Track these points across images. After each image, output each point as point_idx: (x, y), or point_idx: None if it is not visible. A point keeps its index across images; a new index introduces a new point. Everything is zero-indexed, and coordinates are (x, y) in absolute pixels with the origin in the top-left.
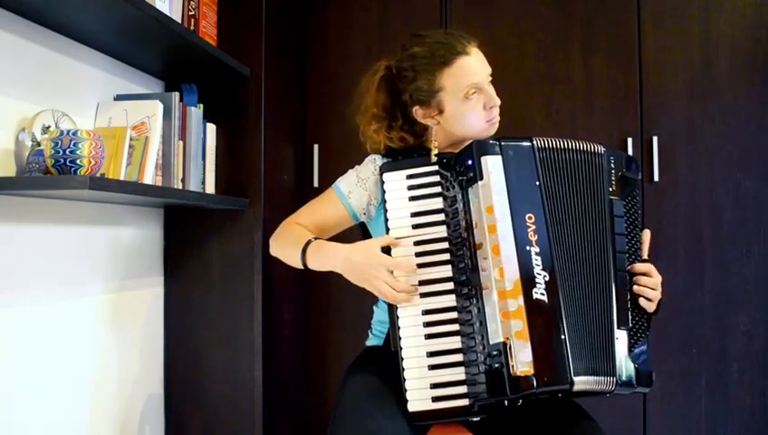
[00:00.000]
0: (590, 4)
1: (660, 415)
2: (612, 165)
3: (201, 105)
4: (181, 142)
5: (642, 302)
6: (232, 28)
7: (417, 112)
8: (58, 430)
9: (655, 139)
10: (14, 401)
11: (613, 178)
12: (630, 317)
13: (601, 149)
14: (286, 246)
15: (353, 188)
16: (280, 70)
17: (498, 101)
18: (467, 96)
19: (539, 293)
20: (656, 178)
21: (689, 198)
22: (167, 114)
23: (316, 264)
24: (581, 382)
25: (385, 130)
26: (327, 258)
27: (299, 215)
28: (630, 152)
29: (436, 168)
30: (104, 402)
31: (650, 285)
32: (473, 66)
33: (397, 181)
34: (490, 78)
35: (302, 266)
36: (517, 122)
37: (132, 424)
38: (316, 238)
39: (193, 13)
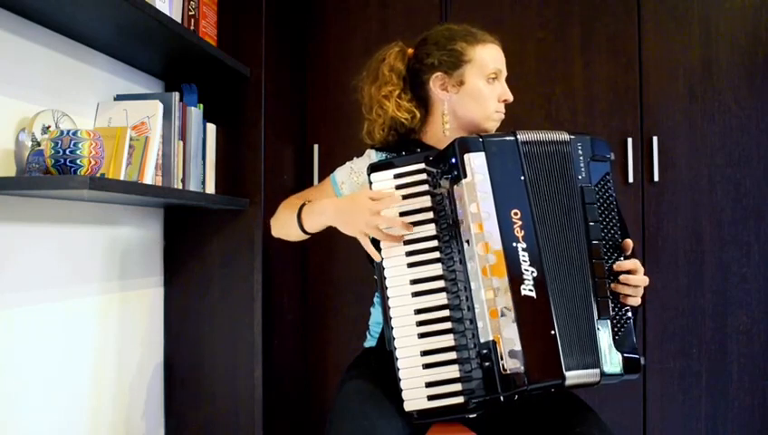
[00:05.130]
0: (590, 4)
1: (660, 415)
2: (580, 151)
3: (201, 105)
4: (181, 142)
5: (629, 300)
6: (232, 28)
7: (436, 80)
8: (58, 431)
9: (655, 139)
10: (13, 402)
11: (582, 164)
12: (611, 306)
13: (567, 136)
14: (284, 217)
15: (346, 179)
16: (280, 70)
17: (511, 98)
18: (489, 79)
19: (527, 289)
20: (656, 178)
21: (689, 198)
22: (167, 114)
23: (311, 222)
24: (573, 377)
25: (396, 97)
26: (320, 213)
27: (296, 195)
28: (630, 152)
29: (422, 165)
30: (104, 402)
31: (636, 283)
32: (500, 55)
33: (384, 181)
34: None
35: (301, 232)
36: (517, 123)
37: (132, 424)
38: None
39: (193, 13)
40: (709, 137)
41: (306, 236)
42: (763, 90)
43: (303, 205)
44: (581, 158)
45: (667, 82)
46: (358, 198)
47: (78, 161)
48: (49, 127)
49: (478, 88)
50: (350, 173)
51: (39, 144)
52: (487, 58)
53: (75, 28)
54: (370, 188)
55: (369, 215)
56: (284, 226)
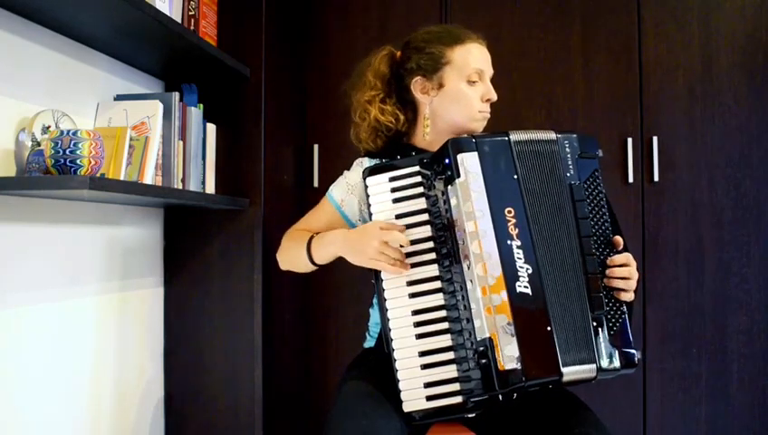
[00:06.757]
0: (590, 4)
1: (660, 415)
2: (568, 149)
3: (201, 105)
4: (181, 142)
5: (621, 295)
6: (232, 28)
7: (417, 84)
8: (58, 431)
9: (655, 139)
10: (13, 402)
11: (570, 162)
12: (605, 301)
13: (554, 135)
14: (292, 250)
15: (345, 196)
16: (280, 70)
17: (495, 97)
18: (470, 80)
19: (522, 286)
20: (656, 178)
21: (689, 198)
22: (167, 114)
23: (321, 253)
24: (570, 373)
25: (379, 102)
26: (330, 244)
27: (298, 225)
28: (630, 152)
29: (417, 168)
30: (104, 402)
31: (623, 275)
32: (482, 54)
33: (380, 185)
34: (490, 78)
35: (310, 264)
36: (517, 122)
37: (132, 424)
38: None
39: (193, 13)
40: (709, 137)
41: (314, 268)
42: (763, 90)
43: (312, 237)
44: (569, 156)
45: (667, 82)
46: (368, 229)
47: (78, 161)
48: (49, 127)
49: (458, 89)
50: (348, 190)
51: (39, 144)
52: (468, 59)
53: (75, 28)
54: (366, 192)
55: (378, 243)
56: (293, 259)
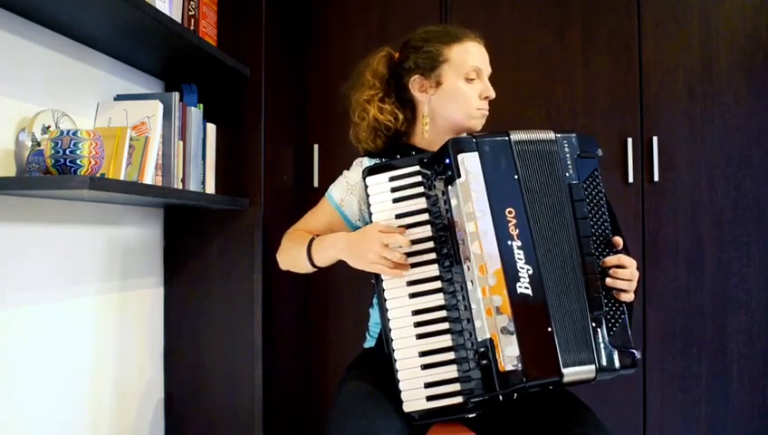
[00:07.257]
0: (590, 4)
1: (660, 415)
2: (567, 149)
3: (201, 105)
4: (181, 142)
5: (621, 296)
6: (232, 28)
7: (415, 83)
8: (58, 431)
9: (655, 139)
10: (13, 402)
11: (569, 161)
12: (605, 301)
13: (553, 135)
14: (292, 250)
15: (345, 196)
16: (280, 70)
17: (493, 94)
18: (468, 77)
19: (523, 286)
20: (656, 178)
21: (689, 198)
22: (167, 114)
23: (321, 256)
24: (570, 374)
25: (378, 101)
26: (330, 247)
27: (298, 225)
28: (630, 152)
29: (417, 168)
30: (104, 402)
31: (625, 277)
32: (480, 53)
33: (380, 184)
34: (488, 76)
35: (310, 266)
36: (517, 122)
37: (132, 424)
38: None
39: (193, 13)
40: (709, 137)
41: (315, 270)
42: (763, 90)
43: (313, 239)
44: (568, 155)
45: (667, 82)
46: (368, 232)
47: (78, 161)
48: (49, 127)
49: (456, 87)
50: (348, 190)
51: (39, 144)
52: (465, 57)
53: (75, 28)
54: (366, 191)
55: (379, 247)
56: (293, 260)
